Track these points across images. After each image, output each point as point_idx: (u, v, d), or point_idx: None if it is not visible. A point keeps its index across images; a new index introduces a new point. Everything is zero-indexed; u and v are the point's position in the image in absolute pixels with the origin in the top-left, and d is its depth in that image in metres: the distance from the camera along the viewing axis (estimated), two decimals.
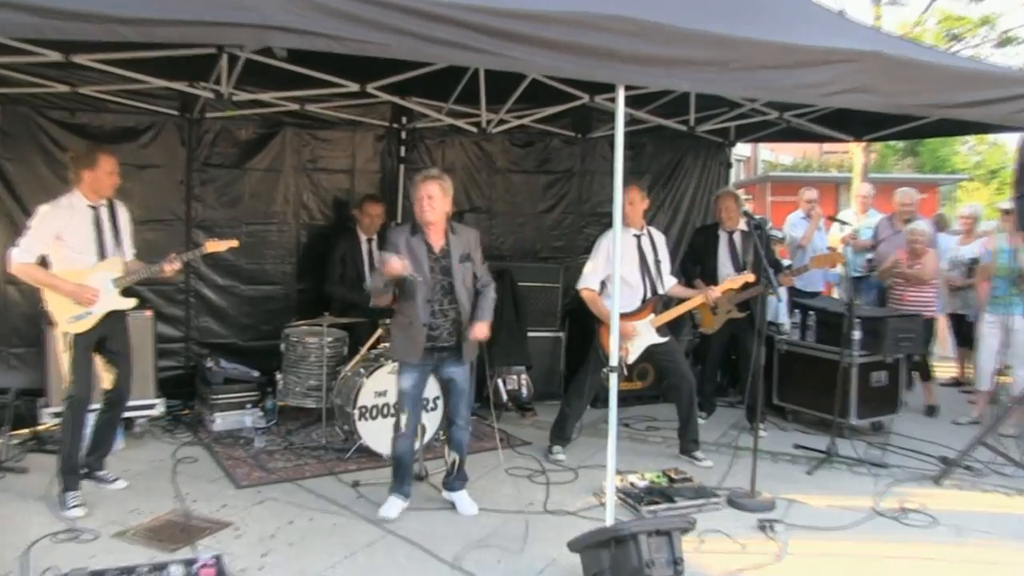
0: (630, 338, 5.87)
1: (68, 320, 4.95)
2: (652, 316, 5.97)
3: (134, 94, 6.52)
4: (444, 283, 4.86)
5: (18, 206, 6.29)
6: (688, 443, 6.17)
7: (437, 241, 4.88)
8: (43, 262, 4.94)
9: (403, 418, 4.95)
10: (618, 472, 4.87)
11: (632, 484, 5.36)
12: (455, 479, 5.20)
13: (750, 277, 6.12)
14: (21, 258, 4.85)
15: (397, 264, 4.61)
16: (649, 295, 6.00)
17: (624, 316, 5.72)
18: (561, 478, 5.77)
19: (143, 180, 6.82)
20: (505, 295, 7.48)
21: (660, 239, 6.18)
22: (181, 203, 7.06)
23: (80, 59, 5.52)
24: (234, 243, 5.65)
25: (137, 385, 6.04)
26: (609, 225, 4.96)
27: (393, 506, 4.98)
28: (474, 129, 7.80)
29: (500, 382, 7.40)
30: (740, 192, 9.48)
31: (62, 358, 5.05)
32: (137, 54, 5.47)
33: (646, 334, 5.95)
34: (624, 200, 5.82)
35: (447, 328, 4.89)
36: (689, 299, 6.15)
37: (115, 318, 5.16)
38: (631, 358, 5.96)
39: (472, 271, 4.98)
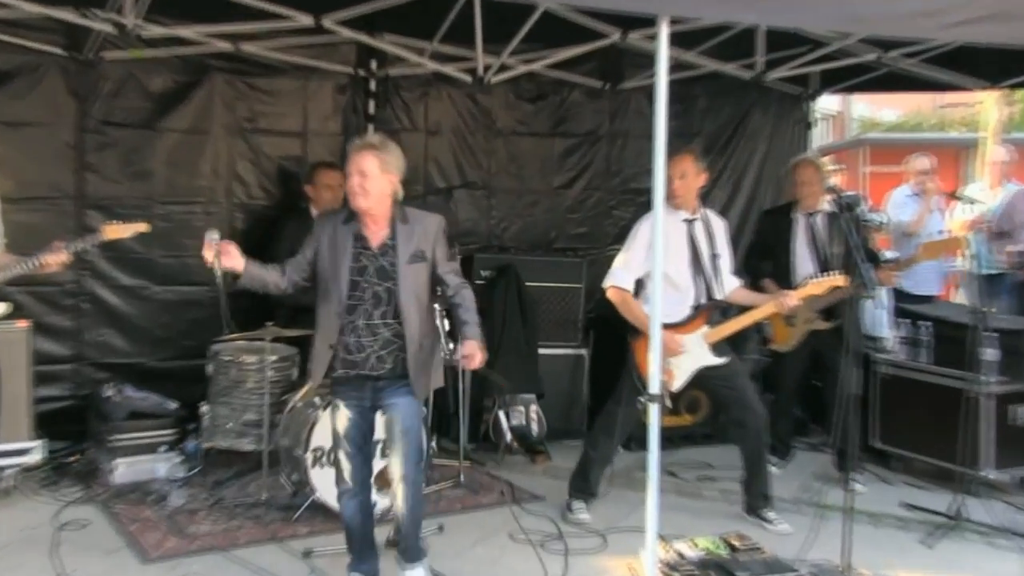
0: (676, 356, 5.81)
1: None
2: (706, 329, 5.93)
3: (2, 23, 6.50)
4: (380, 290, 4.70)
5: None
6: (756, 499, 6.11)
7: (376, 233, 4.74)
8: None
9: (343, 468, 4.82)
10: (661, 538, 4.85)
11: (680, 555, 5.31)
12: (405, 549, 4.99)
13: (839, 280, 6.02)
14: None
15: (207, 249, 4.57)
16: (703, 301, 5.96)
17: (669, 328, 5.64)
18: (584, 545, 5.73)
19: (16, 143, 6.82)
20: (509, 299, 7.48)
21: (719, 226, 6.16)
22: (70, 175, 7.04)
23: None
24: (142, 227, 5.65)
25: (5, 422, 6.02)
26: (648, 205, 4.90)
27: None
28: (468, 78, 7.79)
29: (502, 415, 7.39)
30: (825, 160, 9.42)
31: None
32: None
33: (697, 352, 5.91)
34: (672, 172, 5.76)
35: (378, 352, 4.72)
36: (756, 307, 6.09)
37: None
38: (676, 384, 5.92)
39: (431, 273, 4.84)
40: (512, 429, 7.38)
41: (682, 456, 7.14)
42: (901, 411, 7.15)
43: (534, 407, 7.45)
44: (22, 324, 6.41)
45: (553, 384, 7.70)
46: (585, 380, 7.99)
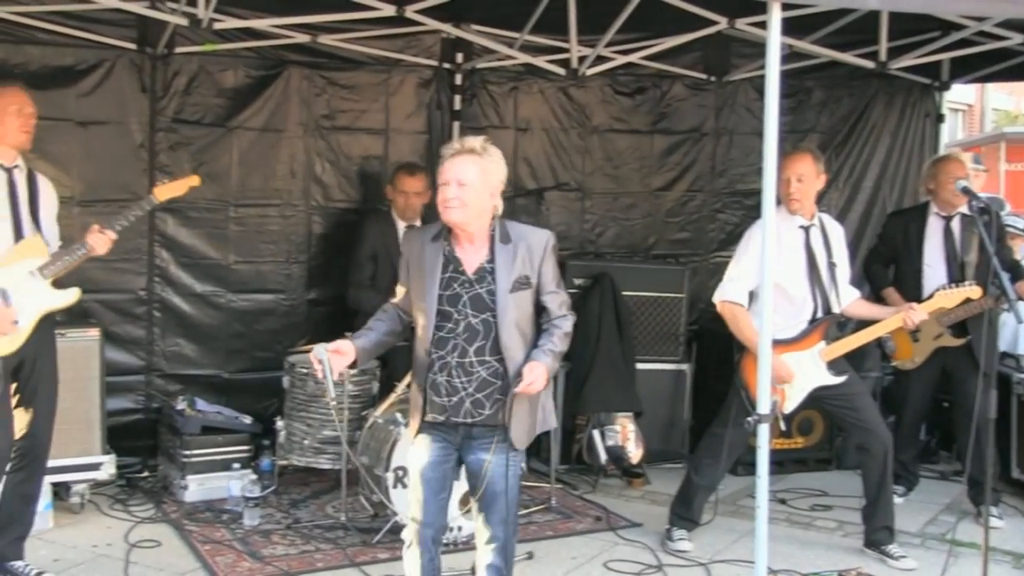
0: (789, 379, 5.76)
1: None
2: (822, 345, 5.85)
3: (72, 18, 6.64)
4: (475, 323, 4.22)
5: None
6: (878, 531, 6.03)
7: (472, 255, 4.30)
8: None
9: (412, 521, 4.37)
10: (771, 571, 4.84)
11: None
12: None
13: (974, 291, 5.94)
14: None
15: (318, 370, 4.17)
16: (819, 314, 5.89)
17: (782, 345, 5.63)
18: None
19: (87, 143, 6.94)
20: (604, 310, 7.48)
21: (837, 232, 6.10)
22: (140, 176, 7.12)
23: None
24: (194, 180, 5.66)
25: (74, 436, 6.19)
26: (758, 210, 4.84)
27: None
28: (561, 70, 7.79)
29: (597, 435, 7.36)
30: (968, 158, 9.30)
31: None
32: None
33: (812, 372, 5.84)
34: (788, 174, 5.80)
35: (473, 395, 4.24)
36: (879, 321, 5.98)
37: (43, 331, 5.16)
38: (790, 405, 5.86)
39: (535, 301, 4.37)
40: (607, 450, 7.35)
41: (794, 482, 7.07)
42: None
43: (631, 427, 7.41)
44: (94, 332, 6.55)
45: (652, 402, 7.67)
46: (687, 398, 7.97)
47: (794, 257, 5.85)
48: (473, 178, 4.16)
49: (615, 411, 7.42)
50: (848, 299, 6.02)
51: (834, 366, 5.86)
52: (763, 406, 4.41)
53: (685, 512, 6.16)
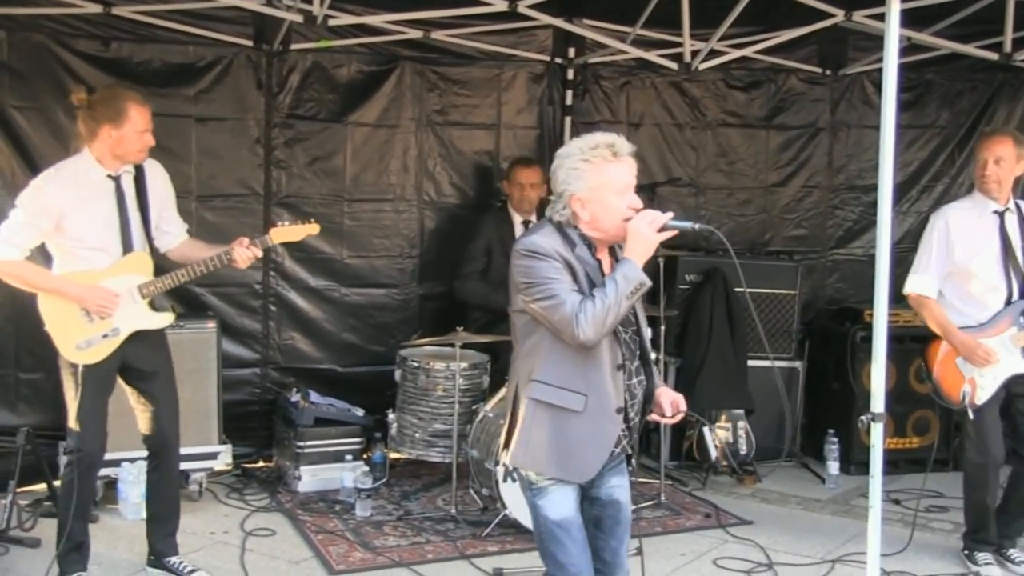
0: (991, 362, 5.65)
1: (75, 347, 4.98)
2: (1014, 331, 5.71)
3: (191, 16, 6.77)
4: (630, 335, 3.86)
5: (30, 169, 6.39)
6: (1009, 532, 5.92)
7: (607, 263, 3.86)
8: (40, 258, 5.05)
9: (570, 567, 3.76)
10: (885, 573, 4.79)
11: None
12: None
13: None
14: (6, 253, 4.90)
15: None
16: (1016, 298, 5.75)
17: (973, 331, 5.67)
18: (797, 575, 5.72)
19: (203, 139, 7.10)
20: (716, 306, 7.46)
21: None
22: (257, 171, 7.29)
23: None
24: (313, 229, 5.58)
25: (193, 426, 6.29)
26: (874, 206, 4.78)
27: None
28: (674, 65, 7.71)
29: (708, 432, 7.38)
30: None
31: (67, 397, 5.07)
32: None
33: (1006, 359, 5.69)
34: (985, 155, 5.73)
35: (635, 417, 3.89)
36: None
37: (143, 339, 5.18)
38: (982, 395, 5.69)
39: None
40: (718, 447, 7.36)
41: (908, 482, 6.97)
42: None
43: (742, 424, 7.41)
44: (211, 325, 6.72)
45: (764, 400, 7.61)
46: (799, 396, 7.92)
47: (987, 243, 5.74)
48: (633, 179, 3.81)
49: (727, 408, 7.44)
50: None
51: None
52: (877, 404, 4.36)
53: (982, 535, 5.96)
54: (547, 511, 3.70)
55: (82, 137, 5.05)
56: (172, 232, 5.35)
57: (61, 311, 4.97)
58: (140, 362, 5.20)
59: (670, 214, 3.68)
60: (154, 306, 5.24)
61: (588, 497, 3.86)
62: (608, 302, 3.50)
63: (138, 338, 5.14)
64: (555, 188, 3.74)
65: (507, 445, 3.81)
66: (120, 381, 5.22)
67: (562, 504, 3.71)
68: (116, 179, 5.09)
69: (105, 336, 5.01)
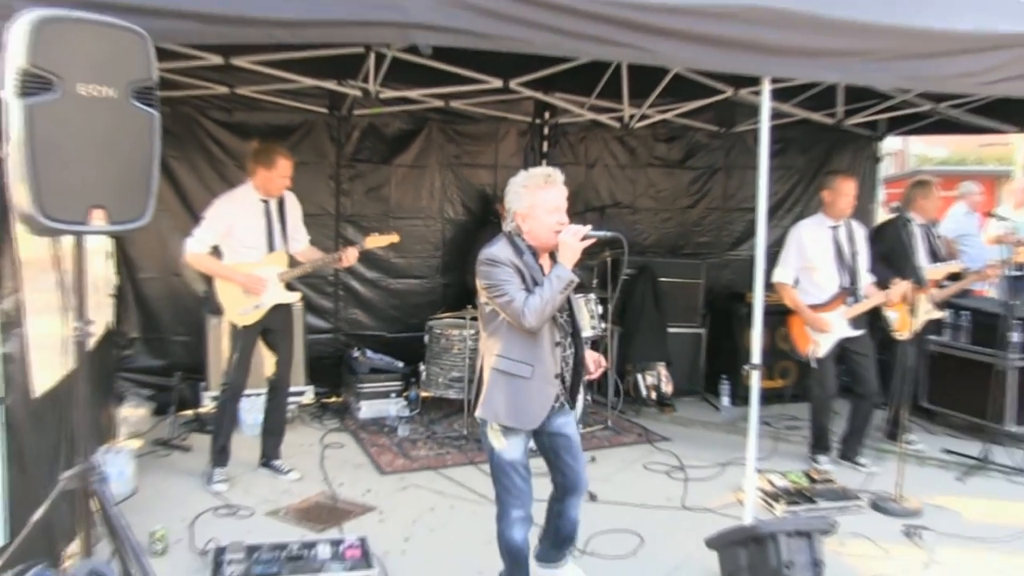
0: (827, 330, 5.74)
1: (238, 312, 5.22)
2: (844, 308, 5.78)
3: (286, 93, 6.79)
4: (564, 320, 3.76)
5: (181, 200, 6.69)
6: (853, 449, 5.99)
7: (547, 264, 3.73)
8: (215, 253, 5.24)
9: (516, 499, 3.70)
10: (758, 471, 4.84)
11: (772, 484, 5.29)
12: (558, 552, 4.09)
13: (956, 267, 6.11)
14: (195, 248, 5.12)
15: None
16: (846, 285, 5.82)
17: (818, 307, 5.77)
18: (700, 475, 5.74)
19: (296, 175, 6.94)
20: (647, 291, 7.49)
21: (860, 232, 5.99)
22: (331, 198, 7.31)
23: (238, 61, 5.81)
24: (395, 238, 5.77)
25: (293, 372, 6.37)
26: (753, 223, 4.81)
27: None
28: (617, 124, 7.79)
29: (640, 377, 7.40)
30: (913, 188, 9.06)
31: (225, 346, 5.33)
32: (290, 55, 5.73)
33: (839, 326, 5.78)
34: (836, 191, 5.80)
35: (568, 376, 3.80)
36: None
37: (279, 310, 5.39)
38: (822, 351, 5.79)
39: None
40: (647, 387, 7.39)
41: (775, 411, 6.98)
42: (946, 380, 6.88)
43: (664, 371, 7.44)
44: (299, 303, 6.70)
45: (679, 355, 7.65)
46: (703, 351, 7.92)
47: (826, 247, 5.82)
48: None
49: (653, 361, 7.45)
50: (865, 280, 5.90)
51: (854, 323, 5.80)
52: (755, 357, 4.36)
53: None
54: (505, 454, 3.65)
55: (248, 171, 5.31)
56: (300, 240, 5.58)
57: (229, 289, 5.21)
58: (275, 325, 5.41)
59: (589, 226, 3.58)
60: (289, 287, 5.43)
61: (544, 434, 3.78)
62: (546, 297, 3.46)
63: (276, 310, 5.36)
64: (507, 207, 3.71)
65: (477, 403, 3.76)
66: (259, 339, 5.42)
67: (514, 449, 3.65)
68: (266, 202, 5.31)
69: (257, 307, 5.26)
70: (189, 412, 6.47)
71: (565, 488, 3.90)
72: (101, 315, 5.88)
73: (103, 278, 6.38)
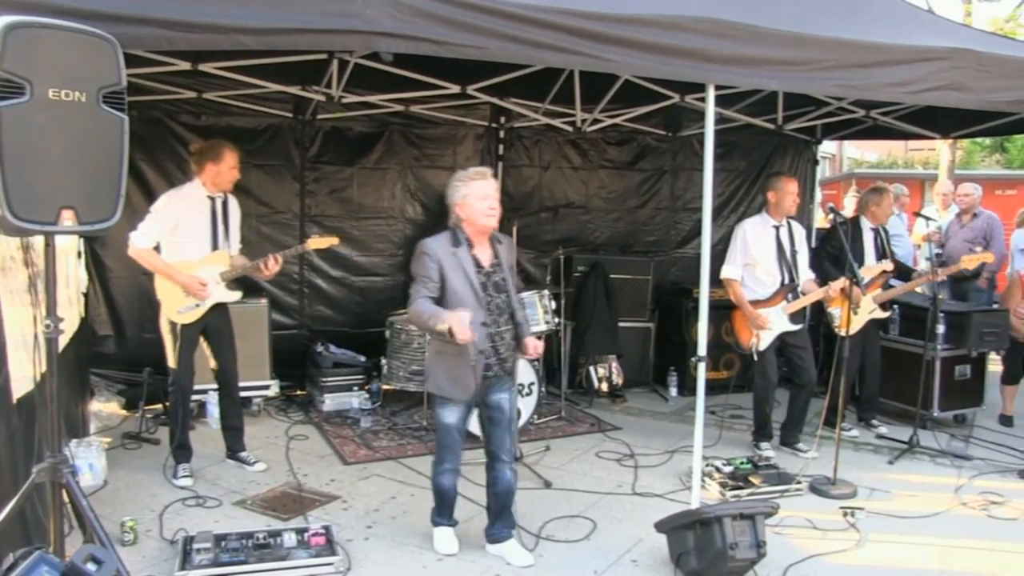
0: (765, 325, 5.78)
1: (177, 311, 5.03)
2: (785, 303, 5.84)
3: (252, 98, 6.72)
4: (499, 301, 4.06)
5: (149, 202, 6.39)
6: (793, 436, 6.06)
7: (485, 253, 4.09)
8: (156, 249, 5.04)
9: (449, 456, 4.21)
10: (704, 457, 4.88)
11: (717, 468, 5.35)
12: (501, 525, 4.34)
13: (887, 266, 6.17)
14: (140, 243, 4.93)
15: (467, 333, 3.75)
16: (786, 282, 5.87)
17: (759, 303, 5.80)
18: (649, 462, 5.78)
19: (261, 177, 7.07)
20: (598, 287, 7.51)
21: (800, 232, 6.06)
22: (295, 198, 7.25)
23: (206, 67, 5.74)
24: (335, 240, 5.65)
25: (253, 367, 6.32)
26: (699, 221, 4.85)
27: (447, 539, 4.37)
28: (569, 128, 7.81)
29: (592, 369, 7.42)
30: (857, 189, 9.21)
31: (167, 345, 5.11)
32: (256, 61, 5.65)
33: (778, 321, 5.84)
34: (781, 192, 5.85)
35: (503, 352, 4.11)
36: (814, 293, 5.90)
37: (218, 309, 5.22)
38: (763, 344, 5.83)
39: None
40: (599, 379, 7.41)
41: (720, 400, 7.07)
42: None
43: (615, 363, 7.46)
44: (264, 301, 6.72)
45: (629, 347, 7.69)
46: (652, 345, 7.96)
47: (768, 246, 5.87)
48: (497, 194, 4.10)
49: (605, 354, 7.47)
50: (805, 276, 5.96)
51: (793, 318, 5.86)
52: (701, 350, 4.41)
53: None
54: (443, 418, 4.11)
55: (194, 170, 5.16)
56: (233, 245, 5.35)
57: (169, 287, 5.03)
58: (214, 324, 5.24)
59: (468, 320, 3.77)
60: (229, 287, 5.25)
61: (482, 405, 4.18)
62: (427, 316, 3.84)
63: (215, 309, 5.18)
64: (448, 202, 4.08)
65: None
66: (200, 338, 5.25)
67: (451, 414, 4.09)
68: (212, 200, 5.16)
69: (197, 306, 5.07)
70: (158, 406, 6.38)
71: (493, 454, 4.25)
72: (72, 313, 5.76)
73: (74, 277, 6.27)
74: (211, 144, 5.21)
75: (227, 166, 5.12)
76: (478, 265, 4.05)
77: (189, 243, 5.07)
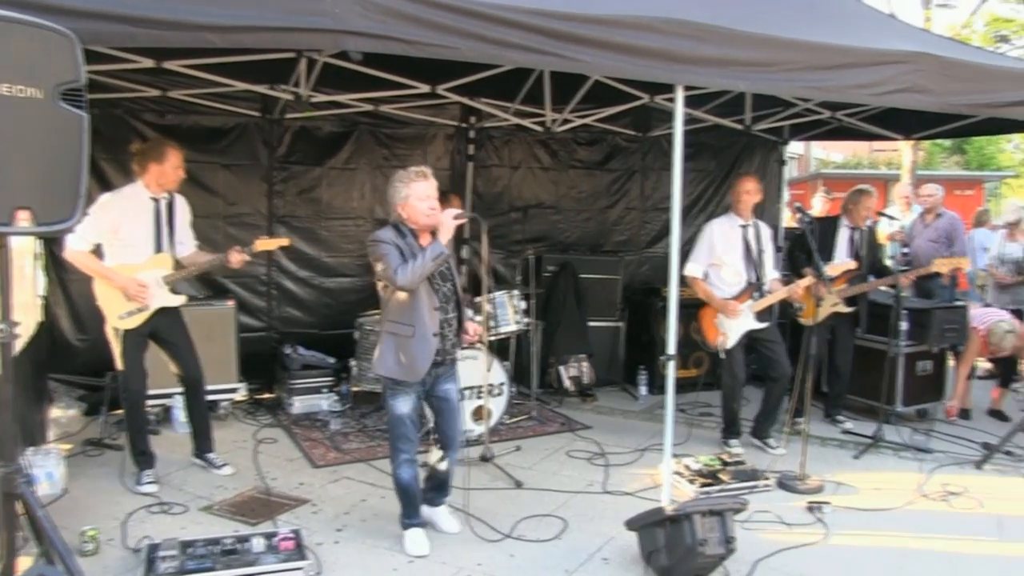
0: (736, 315, 5.79)
1: (119, 317, 4.87)
2: (751, 302, 5.86)
3: (219, 97, 6.62)
4: (446, 289, 4.21)
5: None
6: (765, 430, 6.07)
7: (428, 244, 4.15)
8: (97, 252, 4.88)
9: (405, 446, 4.24)
10: (674, 455, 4.88)
11: (687, 466, 5.34)
12: (438, 492, 4.59)
13: (851, 264, 6.21)
14: (76, 245, 4.75)
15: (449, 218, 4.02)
16: (752, 281, 5.90)
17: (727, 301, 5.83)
18: (620, 461, 5.77)
19: (228, 177, 6.96)
20: (568, 286, 7.50)
21: (766, 232, 6.09)
22: (263, 199, 7.14)
23: (170, 65, 5.62)
24: (284, 241, 5.56)
25: (220, 370, 6.24)
26: (668, 220, 4.85)
27: (418, 540, 4.33)
28: (539, 128, 7.78)
29: (562, 369, 7.40)
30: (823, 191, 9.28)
31: (115, 351, 4.95)
32: (222, 59, 5.58)
33: (746, 319, 5.85)
34: (740, 190, 5.91)
35: (451, 340, 4.25)
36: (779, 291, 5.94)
37: (165, 313, 5.05)
38: (730, 342, 5.85)
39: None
40: (569, 379, 7.40)
41: (689, 399, 7.10)
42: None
43: (585, 363, 7.45)
44: (231, 303, 6.60)
45: (599, 347, 7.67)
46: (622, 344, 7.95)
47: (735, 245, 5.89)
48: (436, 193, 4.22)
49: (575, 353, 7.46)
50: (771, 276, 6.00)
51: (760, 316, 5.87)
52: (671, 349, 4.43)
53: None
54: (396, 408, 4.18)
55: (136, 172, 4.98)
56: (186, 244, 5.23)
57: (109, 292, 4.88)
58: (163, 329, 5.09)
59: (459, 211, 4.16)
60: (173, 290, 5.09)
61: (431, 396, 4.30)
62: (419, 263, 3.96)
63: (162, 312, 5.03)
64: (389, 202, 4.18)
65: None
66: (152, 343, 5.11)
67: (404, 403, 4.17)
68: (156, 201, 5.00)
69: (140, 310, 4.93)
70: (120, 411, 6.22)
71: (442, 444, 4.43)
72: (30, 316, 5.62)
73: (31, 279, 6.12)
74: (153, 143, 5.06)
75: (171, 166, 4.95)
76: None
77: (131, 246, 4.90)
